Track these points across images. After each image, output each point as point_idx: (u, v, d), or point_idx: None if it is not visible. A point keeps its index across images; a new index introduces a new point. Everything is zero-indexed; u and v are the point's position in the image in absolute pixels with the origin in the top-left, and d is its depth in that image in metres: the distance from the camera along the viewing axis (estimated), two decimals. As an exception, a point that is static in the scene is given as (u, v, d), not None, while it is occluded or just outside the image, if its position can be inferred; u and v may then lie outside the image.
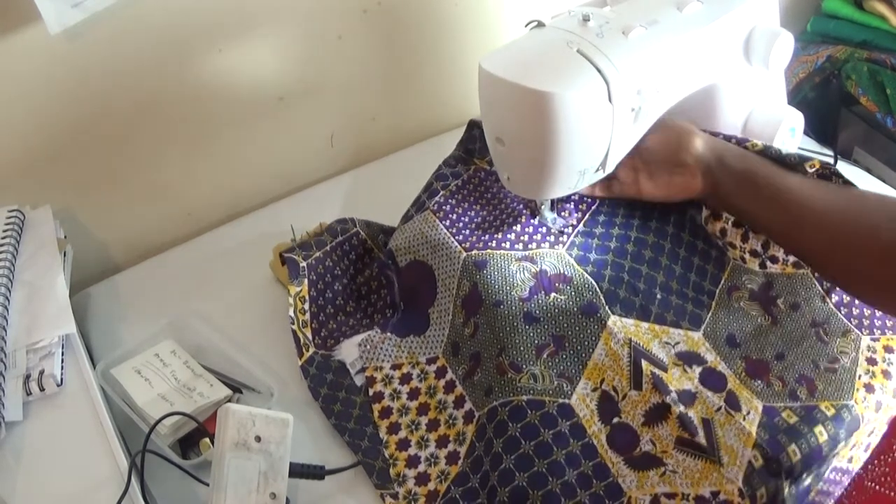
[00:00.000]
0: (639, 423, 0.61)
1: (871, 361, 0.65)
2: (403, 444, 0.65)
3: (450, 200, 0.76)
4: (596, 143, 0.63)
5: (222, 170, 0.93)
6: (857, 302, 0.70)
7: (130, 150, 0.84)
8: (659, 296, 0.68)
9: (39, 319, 0.67)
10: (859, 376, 0.64)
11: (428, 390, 0.68)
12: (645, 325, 0.66)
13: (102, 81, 0.77)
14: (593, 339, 0.65)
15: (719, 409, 0.60)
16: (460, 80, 1.02)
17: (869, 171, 0.99)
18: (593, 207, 0.74)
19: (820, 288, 0.71)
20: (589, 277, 0.67)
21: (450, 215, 0.74)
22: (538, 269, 0.68)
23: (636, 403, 0.62)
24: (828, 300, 0.70)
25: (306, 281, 0.74)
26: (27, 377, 0.63)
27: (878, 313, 0.69)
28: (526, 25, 0.65)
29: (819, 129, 1.04)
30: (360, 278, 0.79)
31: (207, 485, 0.56)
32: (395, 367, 0.70)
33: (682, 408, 0.60)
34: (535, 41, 0.64)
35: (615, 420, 0.62)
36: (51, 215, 0.77)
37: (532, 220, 0.73)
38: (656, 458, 0.60)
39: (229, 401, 0.67)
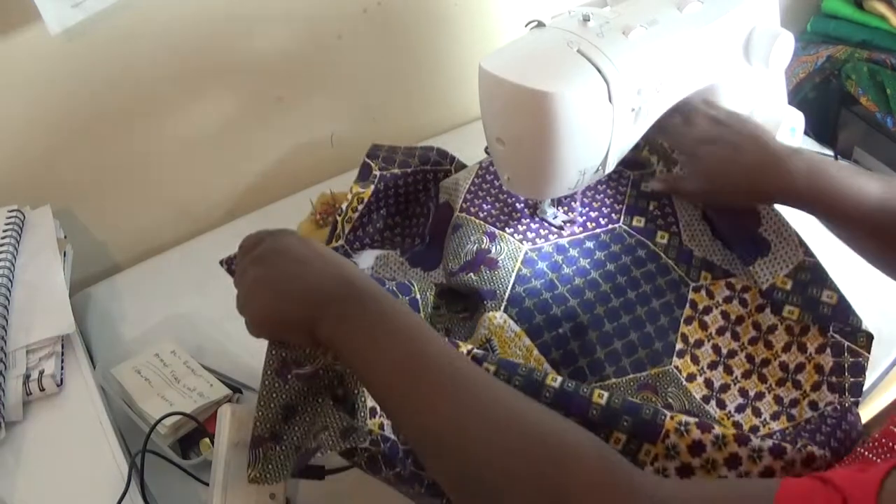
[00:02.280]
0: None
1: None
2: None
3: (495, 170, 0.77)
4: (596, 143, 0.63)
5: (222, 170, 0.93)
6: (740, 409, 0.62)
7: (130, 149, 0.84)
8: (561, 330, 0.64)
9: (39, 319, 0.67)
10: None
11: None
12: (526, 341, 0.63)
13: (102, 81, 0.77)
14: (472, 326, 0.65)
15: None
16: (460, 80, 1.02)
17: (869, 171, 0.99)
18: (595, 231, 0.72)
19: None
20: (512, 275, 0.67)
21: (486, 175, 0.77)
22: (485, 247, 0.69)
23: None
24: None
25: (372, 187, 0.76)
26: (27, 377, 0.63)
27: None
28: (526, 25, 0.65)
29: (819, 129, 1.04)
30: (422, 197, 0.81)
31: (207, 485, 0.56)
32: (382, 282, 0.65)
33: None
34: (535, 41, 0.64)
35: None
36: (51, 215, 0.77)
37: (530, 219, 0.73)
38: None
39: (229, 401, 0.67)
